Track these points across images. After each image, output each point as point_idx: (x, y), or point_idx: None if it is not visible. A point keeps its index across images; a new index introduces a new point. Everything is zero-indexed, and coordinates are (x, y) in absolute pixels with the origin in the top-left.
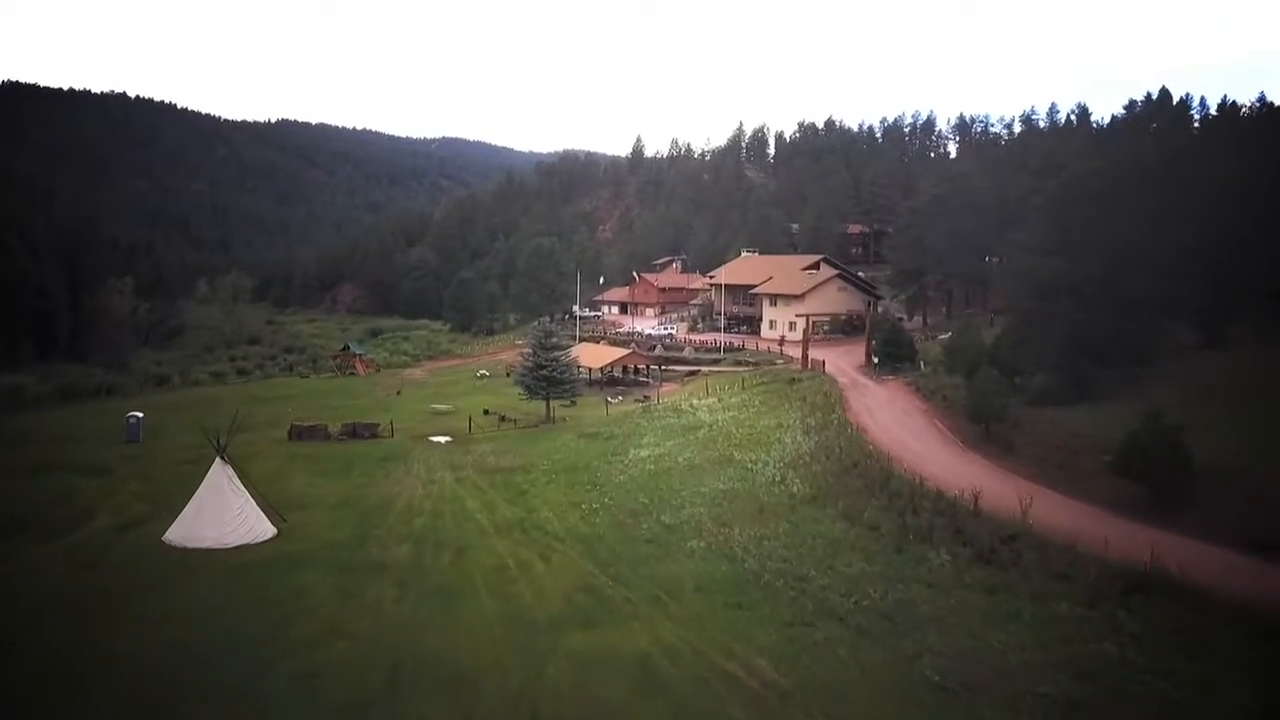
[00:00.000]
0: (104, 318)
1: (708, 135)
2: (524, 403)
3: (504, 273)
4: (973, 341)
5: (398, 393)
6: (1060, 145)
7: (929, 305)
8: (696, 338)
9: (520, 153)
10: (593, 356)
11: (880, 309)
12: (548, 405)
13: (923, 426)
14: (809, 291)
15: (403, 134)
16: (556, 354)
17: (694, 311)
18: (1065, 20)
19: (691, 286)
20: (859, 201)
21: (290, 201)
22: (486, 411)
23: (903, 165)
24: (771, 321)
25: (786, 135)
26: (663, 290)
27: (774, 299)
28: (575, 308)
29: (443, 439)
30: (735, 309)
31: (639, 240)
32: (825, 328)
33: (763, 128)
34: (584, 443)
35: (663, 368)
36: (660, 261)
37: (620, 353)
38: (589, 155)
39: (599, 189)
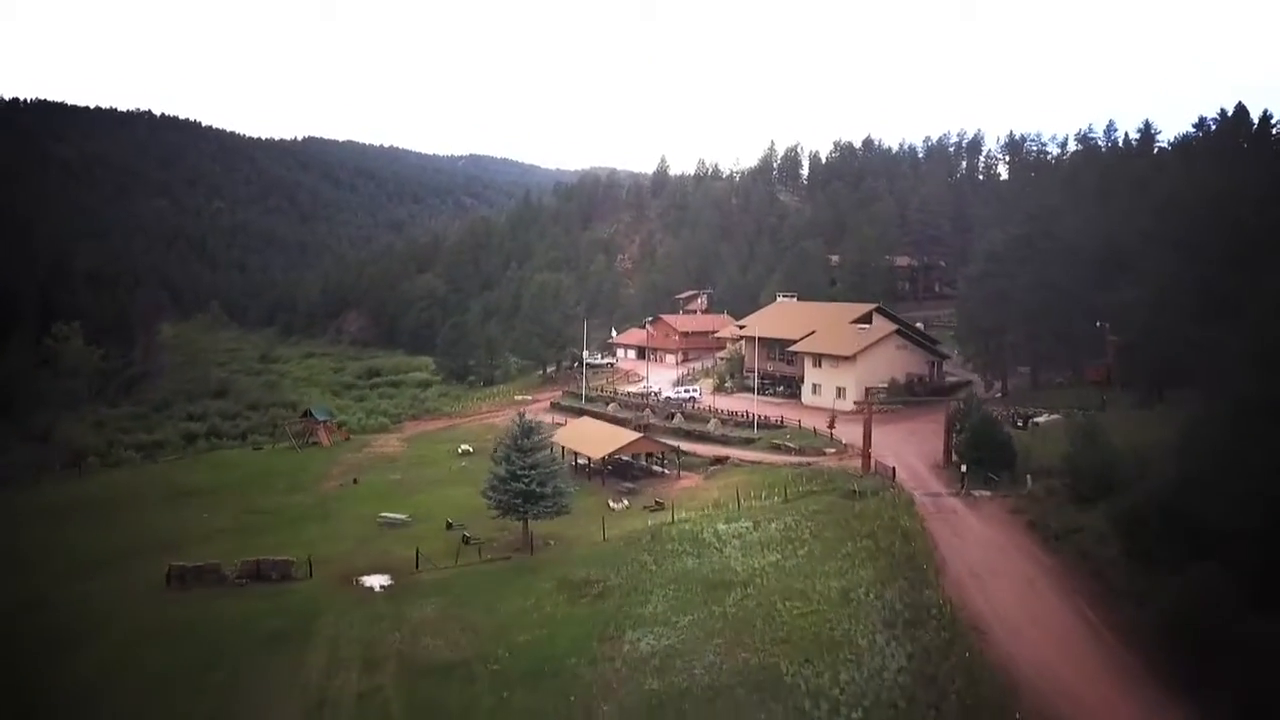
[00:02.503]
0: (53, 367)
1: (736, 155)
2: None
3: (511, 307)
4: (1107, 458)
5: (355, 481)
6: (1178, 174)
7: (1004, 366)
8: (724, 403)
9: (546, 170)
10: (593, 440)
11: (944, 369)
12: (525, 526)
13: (1071, 625)
14: (861, 352)
15: (429, 151)
16: (537, 457)
17: (721, 365)
18: (1108, 34)
19: (718, 331)
20: (906, 231)
21: (311, 221)
22: (450, 525)
23: (952, 190)
24: (815, 385)
25: (822, 155)
26: (684, 335)
27: (818, 359)
28: (585, 354)
29: (378, 582)
30: (770, 367)
31: (661, 271)
32: (881, 396)
33: (796, 147)
34: (564, 603)
35: (680, 454)
36: (684, 296)
37: (627, 437)
38: (611, 175)
39: (619, 212)
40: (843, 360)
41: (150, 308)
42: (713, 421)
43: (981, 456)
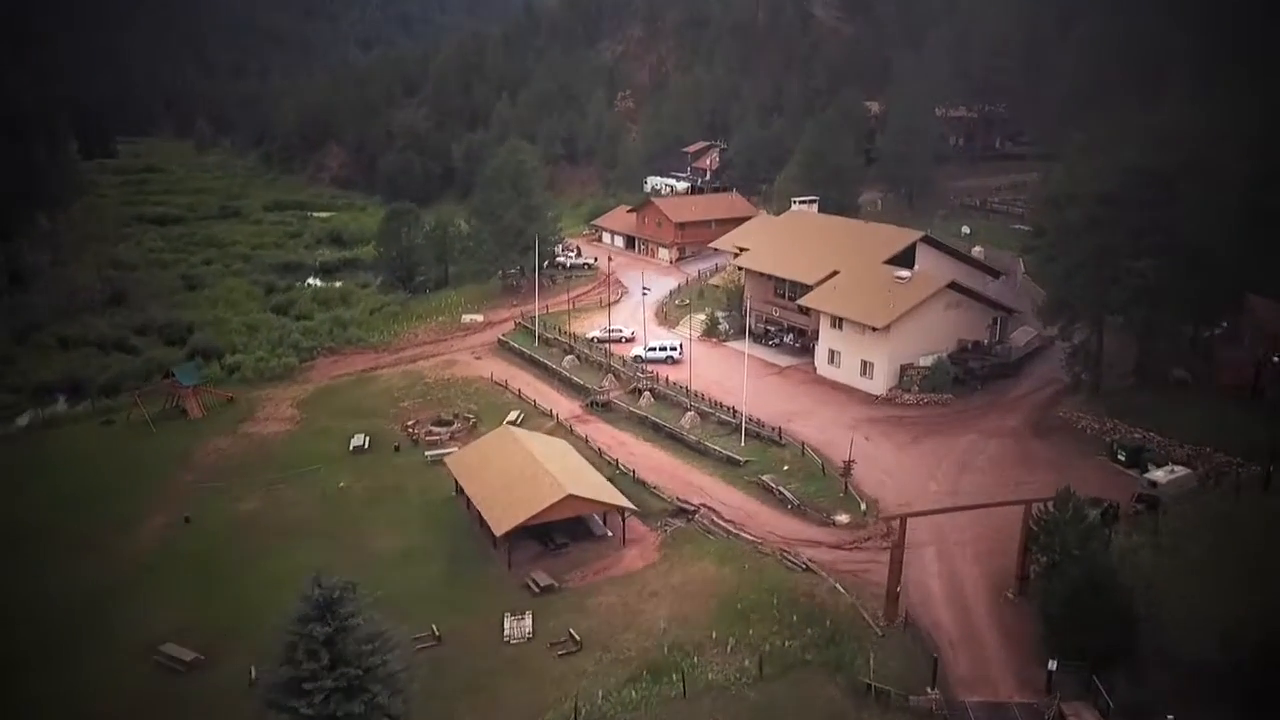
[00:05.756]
0: None
1: None
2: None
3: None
4: None
5: (187, 520)
6: None
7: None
8: (712, 365)
9: None
10: (501, 487)
11: (1009, 326)
12: None
13: None
14: (899, 320)
15: None
16: (346, 647)
17: (717, 292)
18: None
19: (725, 217)
20: (967, 77)
21: (315, 17)
22: (254, 680)
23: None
24: (833, 353)
25: None
26: (681, 227)
27: (838, 321)
28: (563, 253)
29: None
30: (777, 311)
31: (669, 117)
32: (920, 380)
33: None
34: None
35: (625, 514)
36: (694, 149)
37: (550, 493)
38: None
39: (630, 25)
40: (871, 330)
41: (64, 163)
42: (689, 415)
43: (1086, 644)
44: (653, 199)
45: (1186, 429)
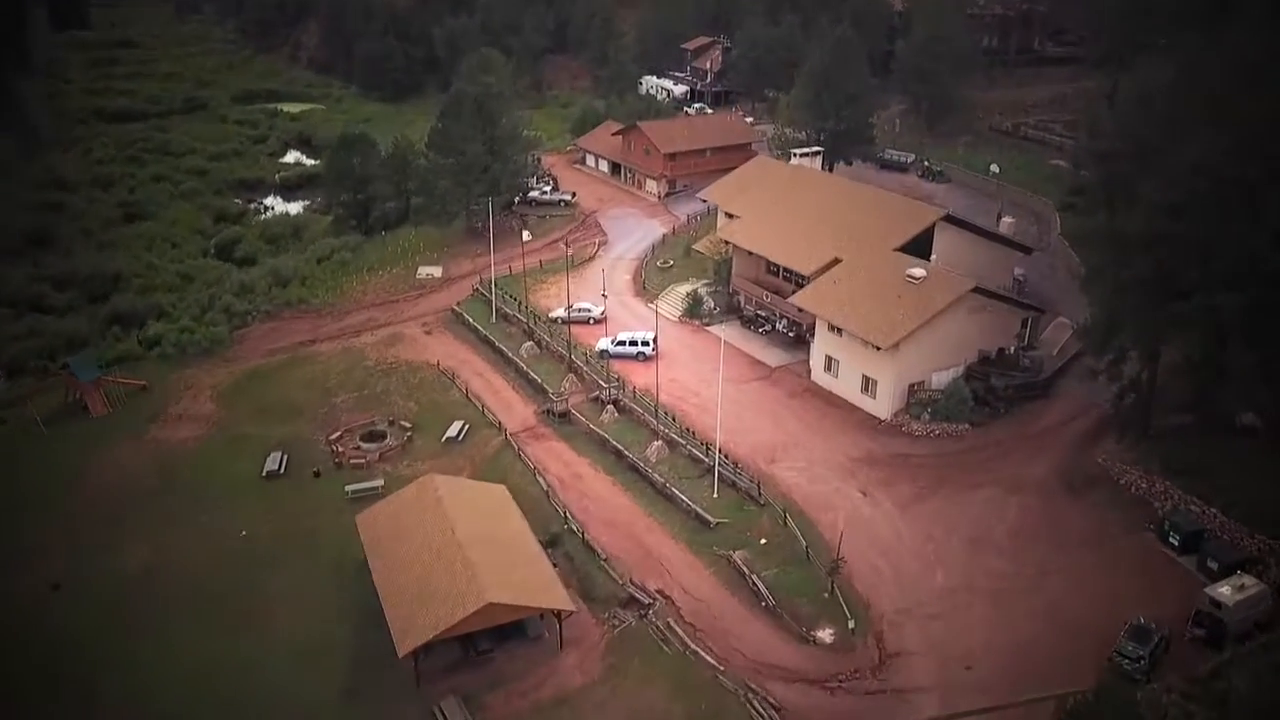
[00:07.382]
0: None
1: None
2: None
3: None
4: None
5: (57, 587)
6: None
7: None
8: (686, 364)
9: None
10: (411, 584)
11: (1040, 326)
12: None
13: None
14: (911, 334)
15: None
16: None
17: (700, 242)
18: None
19: (721, 144)
20: None
21: None
22: None
23: None
24: (830, 360)
25: None
26: (671, 158)
27: (839, 329)
28: (536, 185)
29: None
30: (768, 295)
31: (667, 6)
32: (930, 406)
33: None
34: None
35: (564, 615)
36: (693, 46)
37: (469, 602)
38: None
39: None
40: (876, 348)
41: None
42: (656, 445)
43: None
44: (639, 124)
45: (1257, 504)
